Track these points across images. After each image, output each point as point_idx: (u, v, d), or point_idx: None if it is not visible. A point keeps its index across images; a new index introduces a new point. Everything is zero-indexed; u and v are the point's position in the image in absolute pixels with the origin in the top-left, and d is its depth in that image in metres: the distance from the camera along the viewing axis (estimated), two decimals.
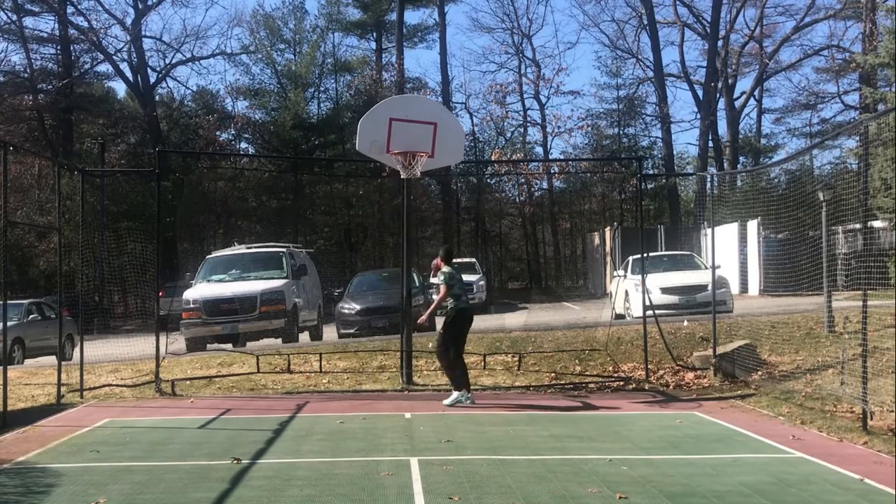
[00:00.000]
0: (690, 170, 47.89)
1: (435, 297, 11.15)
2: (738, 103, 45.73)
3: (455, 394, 10.43)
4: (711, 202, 13.64)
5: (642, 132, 50.12)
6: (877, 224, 19.81)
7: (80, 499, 6.27)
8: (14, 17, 40.46)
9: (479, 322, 20.28)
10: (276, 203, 42.62)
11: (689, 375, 12.20)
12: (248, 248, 20.80)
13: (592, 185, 46.72)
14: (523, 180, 41.25)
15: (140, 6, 42.70)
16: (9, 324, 14.81)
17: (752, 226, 24.35)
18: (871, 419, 8.45)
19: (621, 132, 49.52)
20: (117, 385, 12.32)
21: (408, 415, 9.90)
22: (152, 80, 43.66)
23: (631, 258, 19.90)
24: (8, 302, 12.81)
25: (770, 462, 7.30)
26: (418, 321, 11.67)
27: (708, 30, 43.62)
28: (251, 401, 11.23)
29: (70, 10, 41.51)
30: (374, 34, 49.03)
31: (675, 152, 48.16)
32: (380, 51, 48.36)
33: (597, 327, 15.18)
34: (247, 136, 45.64)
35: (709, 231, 15.61)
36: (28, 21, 41.89)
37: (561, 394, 11.63)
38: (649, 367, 12.30)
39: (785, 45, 45.21)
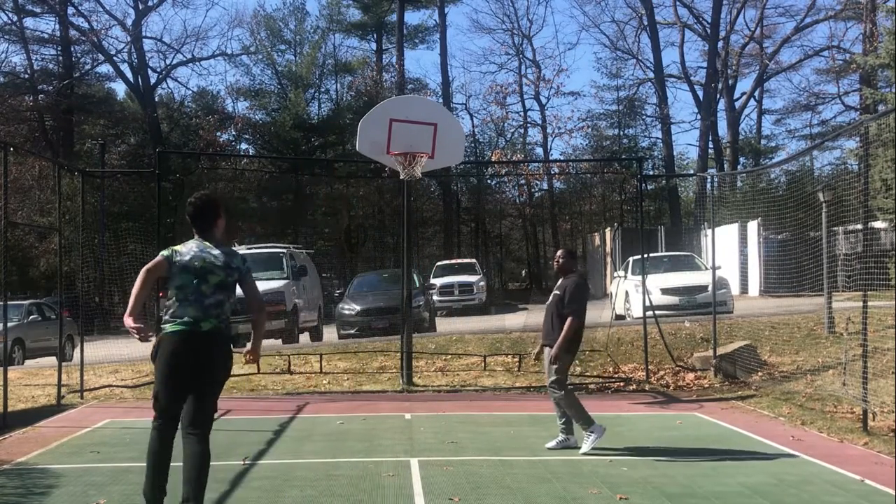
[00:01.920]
0: (690, 171, 47.88)
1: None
2: (738, 104, 45.72)
3: None
4: (712, 203, 13.64)
5: (642, 133, 50.16)
6: (877, 225, 19.81)
7: (80, 500, 6.26)
8: (15, 18, 40.48)
9: (480, 323, 20.36)
10: (276, 204, 42.63)
11: (690, 376, 12.20)
12: (249, 248, 20.80)
13: (593, 185, 46.69)
14: (523, 181, 41.22)
15: (140, 7, 42.73)
16: (9, 324, 14.81)
17: (753, 226, 24.34)
18: (873, 420, 8.45)
19: (621, 133, 49.54)
20: (118, 386, 12.32)
21: (408, 415, 9.90)
22: (153, 80, 43.70)
23: (631, 259, 19.90)
24: (8, 303, 12.82)
25: (770, 463, 7.29)
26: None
27: (708, 31, 43.60)
28: (251, 401, 11.22)
29: (70, 10, 41.57)
30: (375, 35, 49.04)
31: (675, 153, 48.18)
32: (380, 51, 48.36)
33: (597, 328, 15.17)
34: (247, 136, 45.67)
35: (709, 232, 15.61)
36: (29, 22, 41.97)
37: None
38: (650, 367, 12.31)
39: (785, 46, 45.20)
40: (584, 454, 7.53)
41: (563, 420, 7.86)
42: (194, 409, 5.26)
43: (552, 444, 7.86)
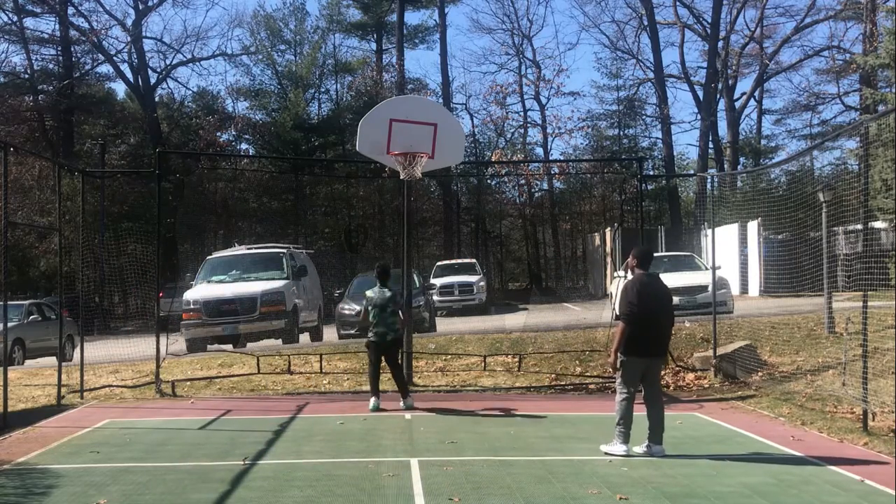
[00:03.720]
0: (691, 171, 47.87)
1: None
2: (738, 104, 45.70)
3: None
4: (712, 203, 13.64)
5: (642, 133, 50.11)
6: (877, 225, 19.81)
7: (80, 499, 6.27)
8: (15, 18, 40.45)
9: (480, 323, 20.35)
10: (276, 204, 42.62)
11: (690, 376, 12.20)
12: (249, 248, 20.80)
13: (593, 186, 46.68)
14: (523, 181, 41.19)
15: (140, 7, 42.68)
16: (9, 325, 14.81)
17: (753, 227, 24.34)
18: (872, 420, 8.45)
19: (621, 133, 49.51)
20: (117, 386, 12.32)
21: (408, 415, 9.91)
22: (153, 80, 43.63)
23: None
24: (8, 303, 12.82)
25: (770, 463, 7.30)
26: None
27: (708, 31, 43.58)
28: (251, 402, 11.23)
29: (71, 10, 41.53)
30: (375, 35, 49.01)
31: (675, 153, 48.15)
32: (380, 52, 48.34)
33: (597, 328, 15.18)
34: (247, 136, 45.62)
35: (709, 232, 15.61)
36: (29, 22, 41.91)
37: (561, 395, 11.63)
38: None
39: (785, 46, 45.19)
40: (606, 453, 7.55)
41: (651, 427, 7.63)
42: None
43: (638, 449, 7.65)
